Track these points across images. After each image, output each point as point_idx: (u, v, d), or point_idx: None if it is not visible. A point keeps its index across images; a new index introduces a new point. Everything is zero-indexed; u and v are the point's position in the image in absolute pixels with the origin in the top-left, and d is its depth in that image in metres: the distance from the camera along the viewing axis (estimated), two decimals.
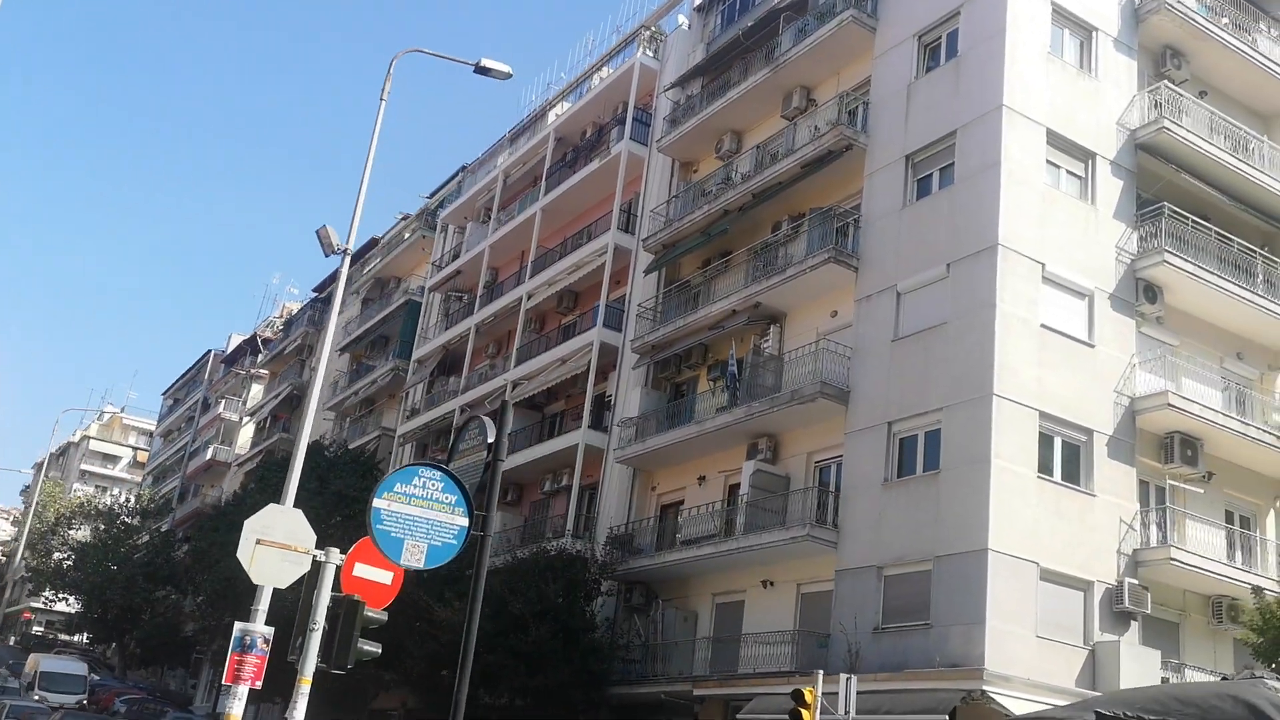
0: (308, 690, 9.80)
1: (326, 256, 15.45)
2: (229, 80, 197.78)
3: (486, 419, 10.99)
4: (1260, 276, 26.04)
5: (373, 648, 10.93)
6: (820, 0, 29.05)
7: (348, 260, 15.61)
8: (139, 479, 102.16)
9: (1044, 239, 22.61)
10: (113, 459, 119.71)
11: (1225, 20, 27.23)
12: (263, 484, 37.40)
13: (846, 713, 16.98)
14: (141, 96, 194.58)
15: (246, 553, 9.77)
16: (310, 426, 17.59)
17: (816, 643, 22.69)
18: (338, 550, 9.97)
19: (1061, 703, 17.18)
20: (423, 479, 10.17)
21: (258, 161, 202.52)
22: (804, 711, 15.16)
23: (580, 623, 25.98)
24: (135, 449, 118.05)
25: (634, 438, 29.77)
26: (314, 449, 39.98)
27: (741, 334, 27.98)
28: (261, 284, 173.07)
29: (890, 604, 21.73)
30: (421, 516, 10.01)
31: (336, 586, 10.94)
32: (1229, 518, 24.48)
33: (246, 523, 10.53)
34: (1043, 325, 22.07)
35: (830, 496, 24.07)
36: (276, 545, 9.57)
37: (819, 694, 15.76)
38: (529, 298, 38.34)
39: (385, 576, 11.11)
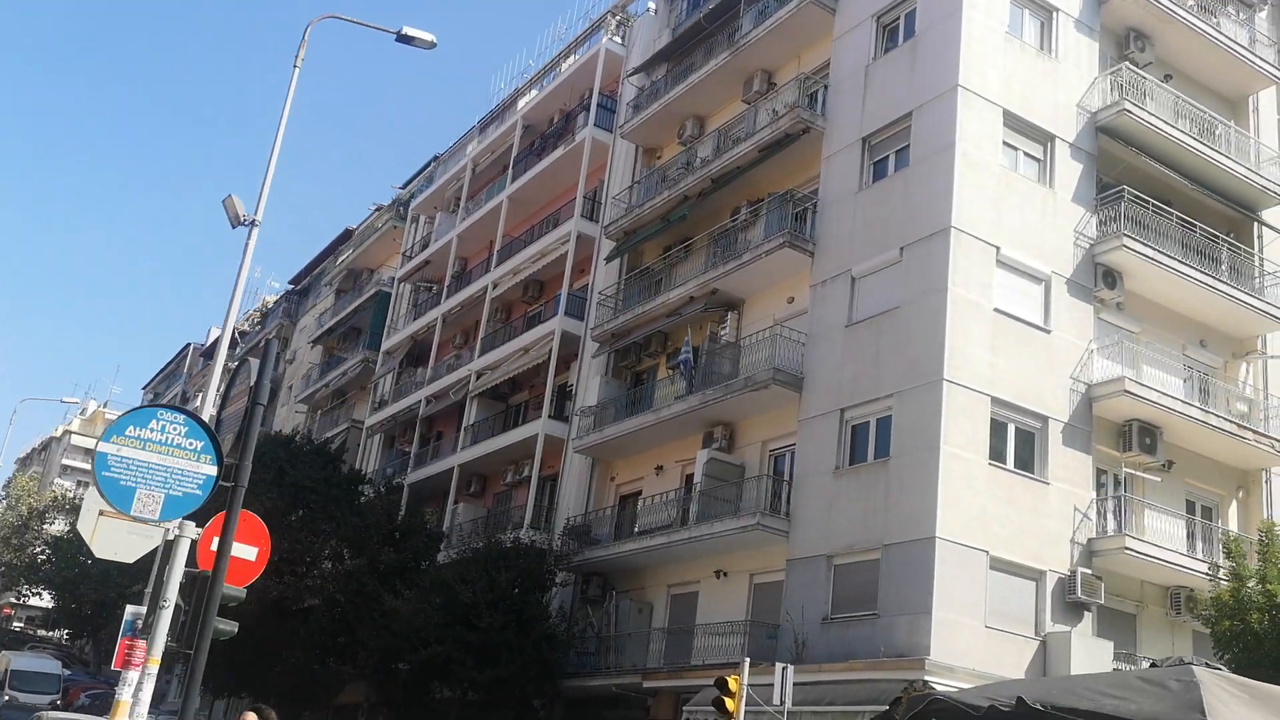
0: (155, 672, 9.24)
1: (234, 228, 14.97)
2: (210, 72, 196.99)
3: (253, 359, 10.29)
4: (1224, 263, 25.64)
5: (228, 626, 10.36)
6: None
7: (255, 233, 15.12)
8: None
9: (999, 222, 22.16)
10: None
11: (1191, 3, 26.79)
12: None
13: (782, 703, 16.52)
14: (125, 89, 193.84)
15: (88, 525, 9.20)
16: (217, 382, 17.08)
17: (766, 633, 22.23)
18: (193, 524, 9.40)
19: None
20: (161, 422, 9.23)
21: (245, 155, 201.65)
22: (728, 700, 14.69)
23: (533, 612, 25.49)
24: None
25: (592, 427, 29.30)
26: (277, 440, 39.46)
27: (699, 321, 27.51)
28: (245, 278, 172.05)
29: (839, 594, 21.27)
30: (159, 464, 9.05)
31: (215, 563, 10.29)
32: (1190, 508, 24.04)
33: (88, 493, 9.97)
34: (996, 310, 21.62)
35: (784, 485, 23.63)
36: (122, 517, 9.01)
37: (745, 682, 15.29)
38: (494, 287, 37.86)
39: (249, 553, 10.56)
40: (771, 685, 19.29)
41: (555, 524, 30.04)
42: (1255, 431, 23.94)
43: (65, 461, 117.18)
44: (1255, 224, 26.51)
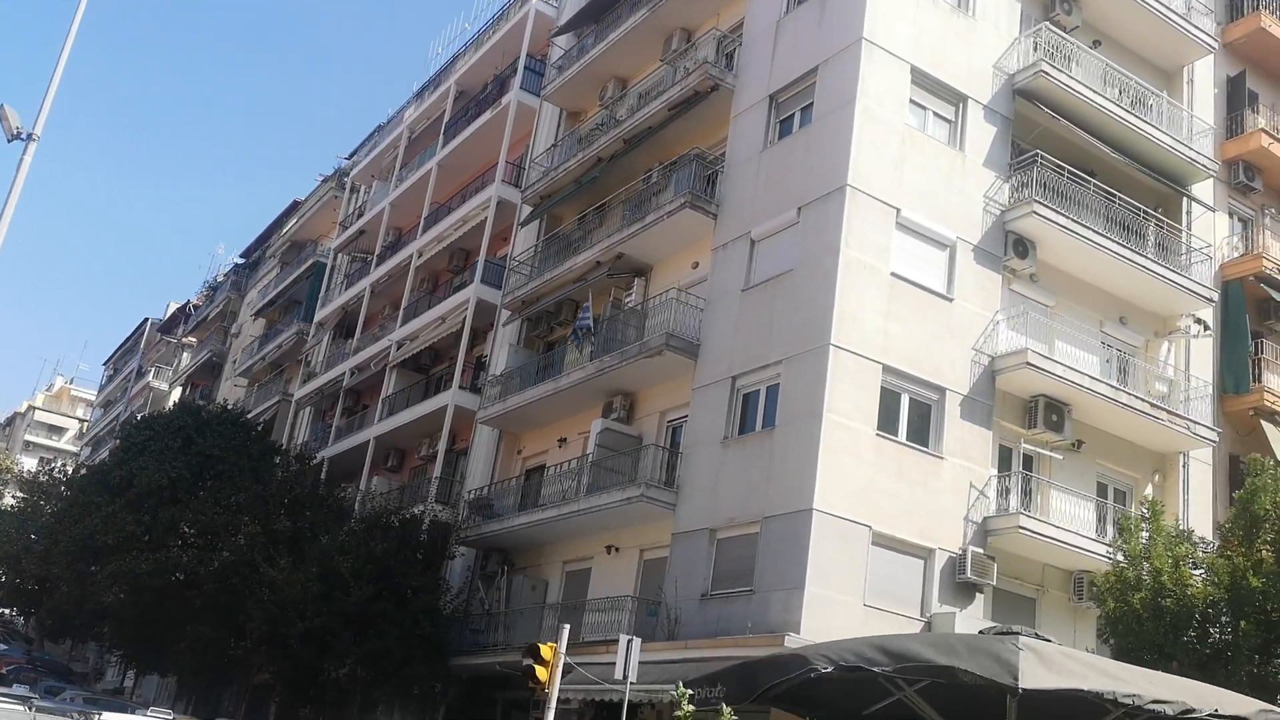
0: None
1: (9, 141, 13.79)
2: (177, 55, 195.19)
3: None
4: (1151, 239, 24.57)
5: None
6: None
7: (32, 147, 13.93)
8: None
9: (901, 183, 21.04)
10: (58, 430, 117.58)
11: None
12: (127, 443, 35.63)
13: (625, 678, 15.45)
14: (91, 68, 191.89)
15: None
16: None
17: (646, 610, 21.14)
18: None
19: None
20: None
21: (216, 133, 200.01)
22: (538, 668, 13.61)
23: (414, 583, 24.36)
24: (82, 420, 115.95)
25: (498, 398, 28.18)
26: (186, 408, 38.35)
27: (606, 287, 26.39)
28: (209, 254, 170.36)
29: (720, 569, 20.18)
30: None
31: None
32: (1102, 491, 22.98)
33: None
34: (894, 274, 20.50)
35: (678, 457, 22.51)
36: None
37: (562, 651, 14.21)
38: (419, 256, 36.77)
39: None
40: (648, 663, 18.37)
41: (462, 498, 28.96)
42: (1170, 412, 22.88)
43: (29, 438, 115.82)
44: (1184, 199, 25.44)
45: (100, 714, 19.59)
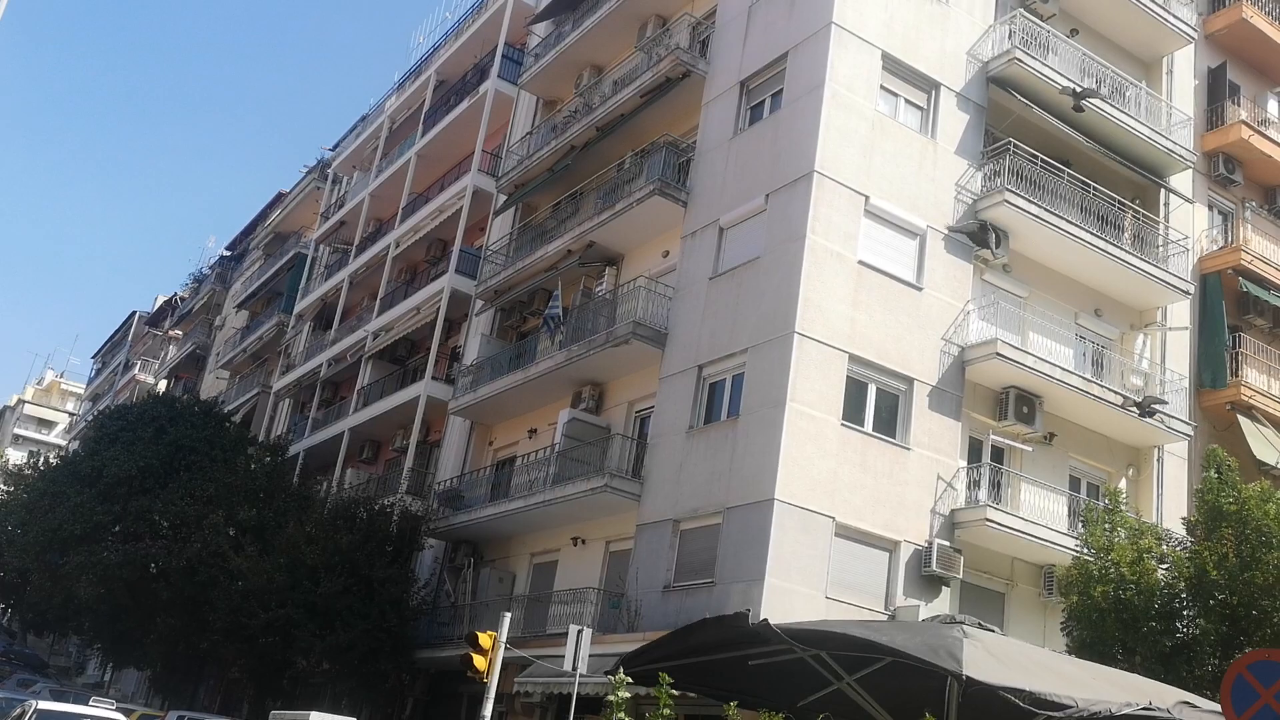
0: None
1: None
2: (167, 49, 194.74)
3: None
4: (1128, 231, 24.26)
5: None
6: None
7: None
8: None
9: (870, 170, 20.72)
10: (48, 424, 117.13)
11: None
12: (101, 432, 35.30)
13: (575, 670, 15.13)
14: (80, 63, 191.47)
15: None
16: None
17: (609, 602, 20.83)
18: None
19: None
20: None
21: (206, 126, 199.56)
22: (476, 657, 13.29)
23: (380, 576, 24.03)
24: (71, 414, 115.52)
25: (469, 388, 27.86)
26: (160, 398, 38.03)
27: (577, 276, 26.07)
28: (199, 247, 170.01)
29: (683, 560, 19.86)
30: None
31: None
32: (1075, 484, 22.67)
33: None
34: (861, 262, 20.18)
35: (645, 448, 22.18)
36: None
37: (502, 640, 13.89)
38: (397, 246, 36.46)
39: None
40: (610, 655, 18.05)
41: (432, 489, 28.64)
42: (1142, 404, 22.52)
43: (18, 431, 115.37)
44: (1162, 191, 25.13)
45: (34, 702, 19.24)
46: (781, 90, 21.86)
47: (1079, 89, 22.85)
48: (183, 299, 71.48)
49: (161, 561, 30.86)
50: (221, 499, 29.89)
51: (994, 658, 9.79)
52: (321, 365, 38.68)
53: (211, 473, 32.24)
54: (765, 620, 10.06)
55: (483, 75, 35.62)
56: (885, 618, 18.78)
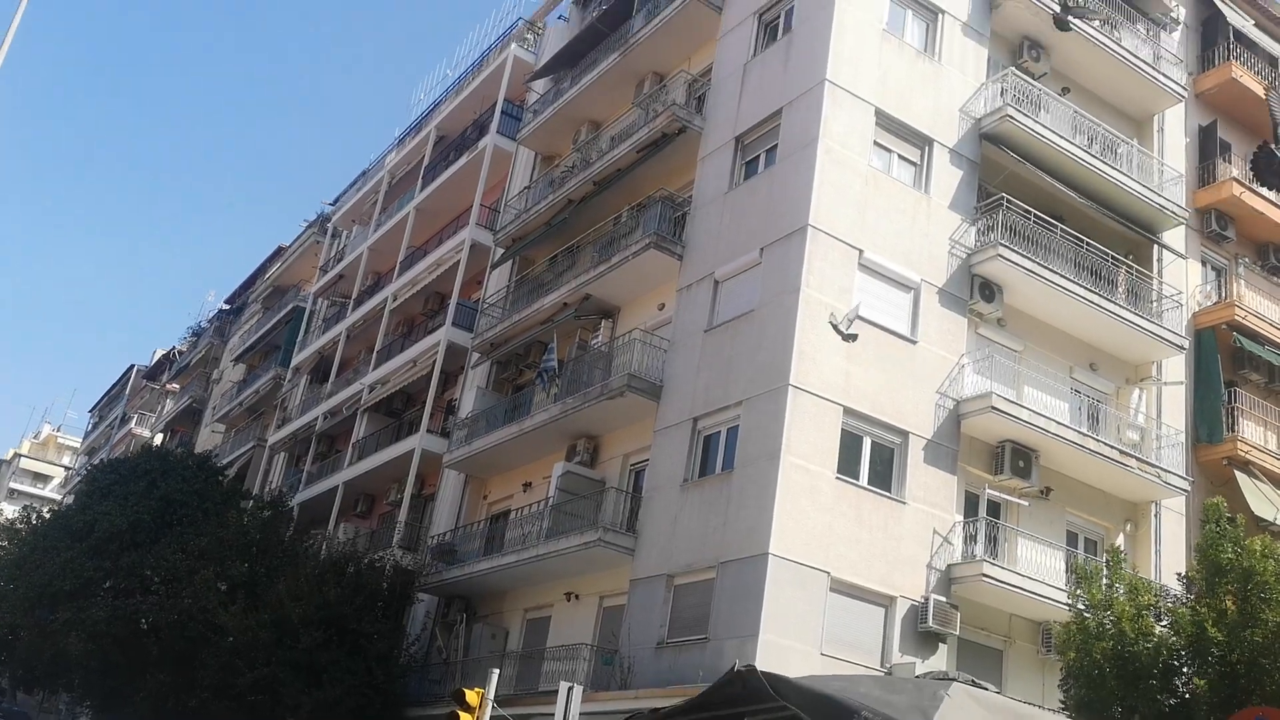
0: None
1: None
2: (176, 106, 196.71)
3: None
4: (1122, 286, 24.32)
5: None
6: None
7: None
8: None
9: (864, 224, 20.83)
10: (44, 478, 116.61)
11: (1097, 18, 25.65)
12: (93, 486, 35.07)
13: None
14: (84, 120, 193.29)
15: None
16: None
17: (602, 659, 20.58)
18: None
19: None
20: None
21: (210, 182, 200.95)
22: (464, 715, 13.09)
23: (369, 628, 23.76)
24: (67, 468, 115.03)
25: (464, 440, 27.76)
26: (152, 452, 37.86)
27: (573, 329, 26.10)
28: (200, 301, 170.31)
29: (676, 616, 19.65)
30: None
31: None
32: (1072, 540, 22.51)
33: None
34: (856, 316, 20.19)
35: (639, 501, 22.05)
36: None
37: (490, 696, 13.69)
38: (394, 299, 36.54)
39: None
40: (602, 714, 17.89)
41: (425, 543, 28.43)
42: (1140, 460, 22.47)
43: (14, 485, 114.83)
44: (1156, 246, 25.24)
45: None
46: (776, 145, 22.04)
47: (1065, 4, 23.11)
48: (180, 353, 71.43)
49: (152, 617, 30.49)
50: (213, 554, 29.61)
51: (972, 717, 9.69)
52: (317, 418, 38.59)
53: (203, 527, 31.96)
54: (751, 666, 9.95)
55: (482, 131, 35.93)
56: (882, 675, 18.55)
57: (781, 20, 23.64)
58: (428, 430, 30.59)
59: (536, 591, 24.26)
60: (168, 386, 72.00)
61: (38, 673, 37.36)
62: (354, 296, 40.84)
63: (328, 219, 49.27)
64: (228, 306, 64.13)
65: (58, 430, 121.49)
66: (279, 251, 56.89)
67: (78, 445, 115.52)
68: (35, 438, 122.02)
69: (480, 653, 24.63)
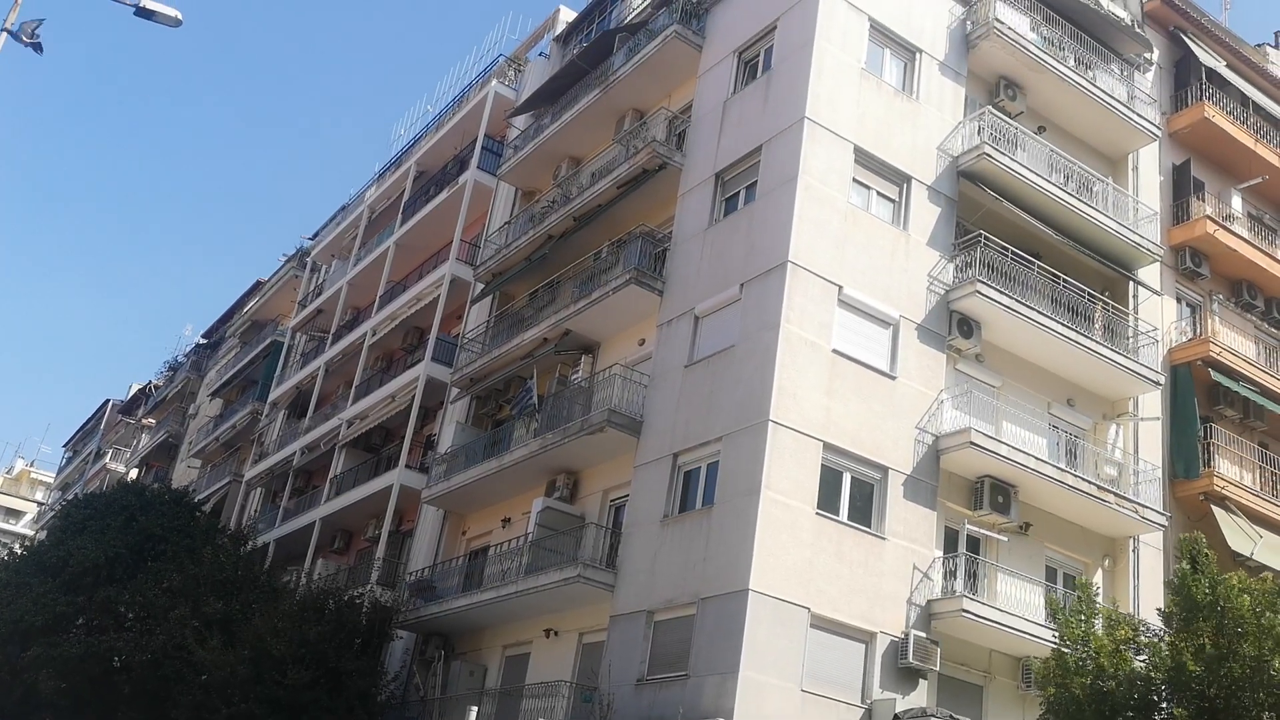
0: None
1: None
2: (147, 139, 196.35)
3: None
4: (1099, 322, 24.52)
5: None
6: (655, 22, 27.73)
7: None
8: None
9: (843, 260, 20.97)
10: (16, 514, 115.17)
11: (1072, 58, 26.05)
12: (68, 521, 34.63)
13: None
14: (63, 157, 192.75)
15: None
16: None
17: (581, 696, 20.42)
18: None
19: None
20: None
21: (189, 215, 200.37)
22: None
23: (350, 666, 23.50)
24: (40, 504, 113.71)
25: (443, 476, 27.63)
26: (129, 487, 37.49)
27: (553, 364, 26.09)
28: (177, 335, 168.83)
29: (657, 652, 19.55)
30: None
31: None
32: (1051, 575, 22.55)
33: None
34: (835, 351, 20.30)
35: (619, 537, 21.97)
36: None
37: None
38: (373, 334, 36.42)
39: None
40: None
41: (403, 580, 28.19)
42: (1118, 495, 22.57)
43: None
44: (1131, 283, 25.48)
45: None
46: (756, 182, 22.20)
47: None
48: (157, 387, 70.88)
49: (125, 655, 30.07)
50: (189, 590, 29.26)
51: None
52: (294, 453, 38.34)
53: (179, 563, 31.59)
54: None
55: (462, 166, 36.01)
56: (862, 711, 18.49)
57: (761, 58, 23.89)
58: (406, 466, 30.43)
59: (515, 628, 24.08)
60: (143, 421, 71.40)
61: (6, 712, 36.67)
62: (333, 331, 40.69)
63: (307, 253, 49.16)
64: (205, 341, 63.79)
65: (31, 465, 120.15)
66: (257, 285, 56.69)
67: (51, 480, 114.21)
68: (8, 473, 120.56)
69: (459, 690, 24.40)
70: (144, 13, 15.17)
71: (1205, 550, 15.89)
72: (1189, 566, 15.62)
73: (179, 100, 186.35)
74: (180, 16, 15.27)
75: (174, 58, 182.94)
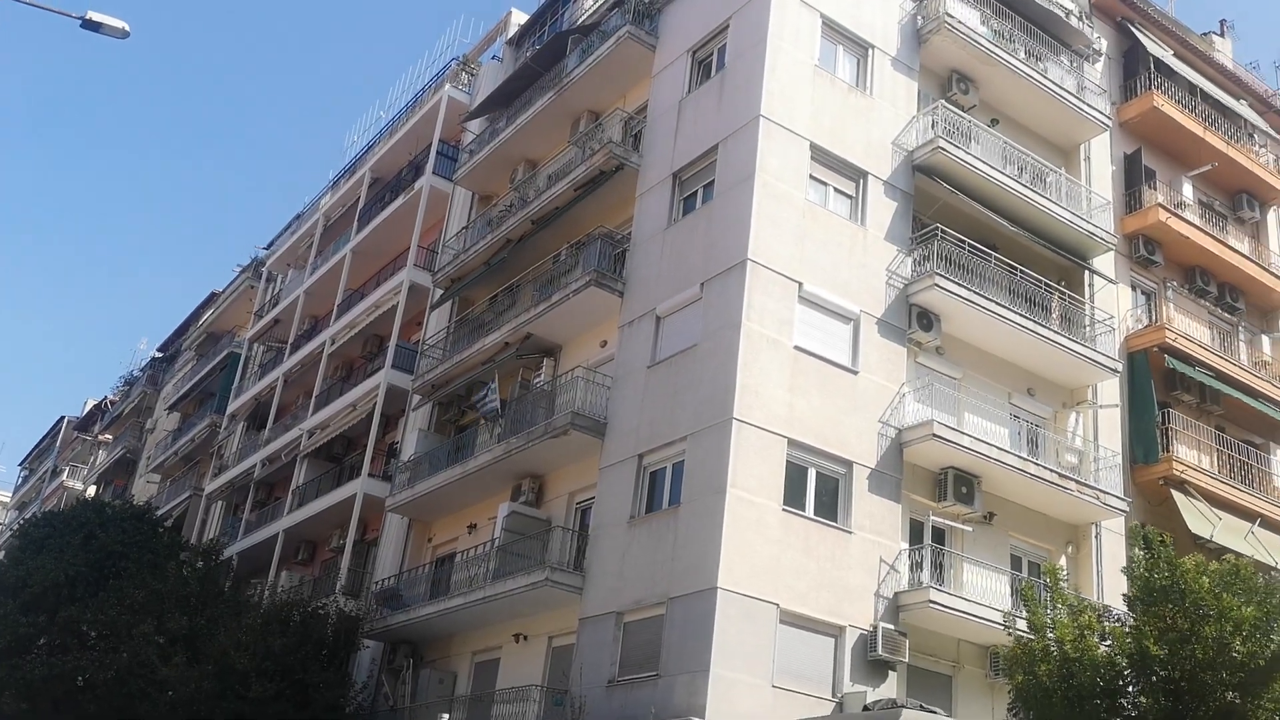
0: None
1: None
2: (93, 148, 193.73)
3: None
4: (1056, 312, 24.75)
5: None
6: (608, 23, 27.69)
7: None
8: None
9: (802, 257, 21.03)
10: None
11: (1022, 51, 26.29)
12: (26, 540, 34.07)
13: None
14: (20, 167, 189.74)
15: None
16: None
17: (553, 700, 20.35)
18: None
19: None
20: None
21: (138, 228, 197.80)
22: None
23: (316, 677, 23.28)
24: None
25: (406, 484, 27.44)
26: (88, 504, 36.95)
27: (515, 368, 25.98)
28: (132, 350, 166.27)
29: (627, 653, 19.51)
30: None
31: None
32: (1016, 563, 22.75)
33: None
34: (797, 348, 20.36)
35: (585, 539, 21.91)
36: None
37: None
38: (332, 343, 36.13)
39: None
40: None
41: (369, 589, 27.96)
42: (1079, 483, 22.81)
43: None
44: (1086, 272, 25.75)
45: None
46: (713, 181, 22.22)
47: None
48: (113, 402, 69.94)
49: (89, 674, 29.62)
50: (152, 607, 28.88)
51: None
52: (255, 465, 37.96)
53: (142, 579, 31.17)
54: None
55: (417, 172, 35.80)
56: (833, 705, 18.54)
57: (715, 58, 23.92)
58: (369, 474, 30.22)
59: (484, 634, 23.95)
60: (100, 437, 70.38)
61: None
62: (291, 341, 40.33)
63: (262, 263, 48.71)
64: (160, 354, 62.99)
65: None
66: (212, 297, 56.07)
67: (7, 500, 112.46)
68: None
69: (428, 698, 24.23)
70: (91, 25, 14.96)
71: (1160, 536, 16.05)
72: (1141, 552, 15.79)
73: (127, 112, 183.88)
74: (128, 28, 15.09)
75: (122, 69, 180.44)
